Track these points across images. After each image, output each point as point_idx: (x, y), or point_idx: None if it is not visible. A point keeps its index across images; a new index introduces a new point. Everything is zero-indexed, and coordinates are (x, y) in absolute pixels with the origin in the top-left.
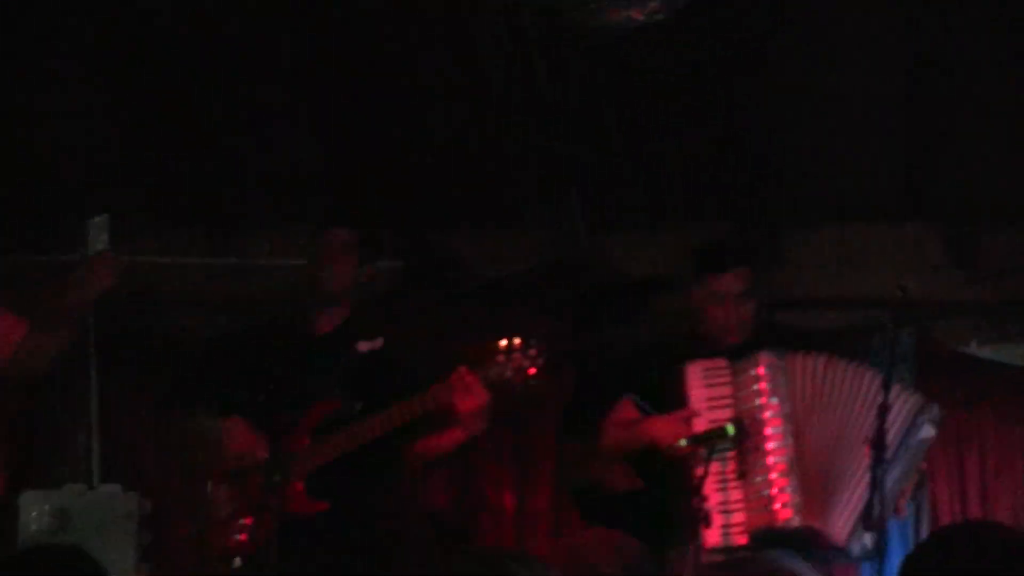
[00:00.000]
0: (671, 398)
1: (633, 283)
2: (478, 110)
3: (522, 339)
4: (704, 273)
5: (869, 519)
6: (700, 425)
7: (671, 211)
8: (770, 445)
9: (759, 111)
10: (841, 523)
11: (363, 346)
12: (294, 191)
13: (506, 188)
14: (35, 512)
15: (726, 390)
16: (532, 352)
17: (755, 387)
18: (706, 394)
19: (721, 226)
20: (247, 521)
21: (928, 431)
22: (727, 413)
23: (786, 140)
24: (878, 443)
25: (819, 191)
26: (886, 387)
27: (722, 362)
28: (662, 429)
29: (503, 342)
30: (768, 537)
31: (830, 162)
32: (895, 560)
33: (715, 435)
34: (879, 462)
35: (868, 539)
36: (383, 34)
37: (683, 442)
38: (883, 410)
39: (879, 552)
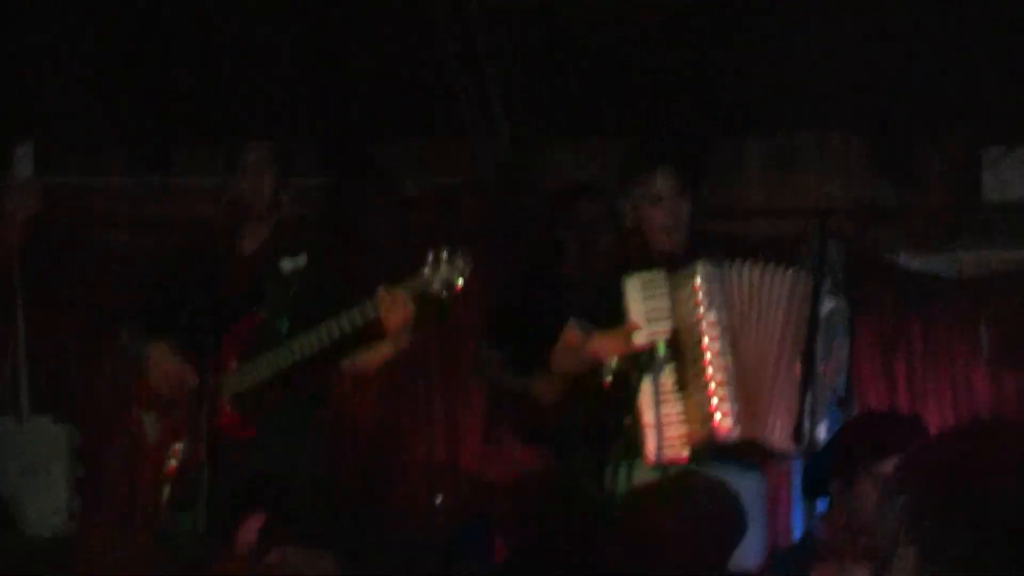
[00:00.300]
0: (613, 315)
1: (557, 191)
2: (408, 19)
3: (448, 250)
4: (636, 176)
5: (800, 429)
6: (641, 338)
7: (603, 124)
8: (708, 357)
9: (693, 22)
10: (779, 430)
11: (287, 264)
12: (220, 108)
13: (434, 98)
14: None
15: (664, 301)
16: (459, 263)
17: (693, 298)
18: (645, 307)
19: (652, 137)
20: (176, 448)
21: (829, 302)
22: (667, 325)
23: (717, 50)
24: (808, 353)
25: (749, 100)
26: (815, 296)
27: (660, 274)
28: (604, 346)
29: (429, 254)
30: (709, 449)
31: (761, 72)
32: None
33: (646, 355)
34: (811, 373)
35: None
36: None
37: (614, 360)
38: (813, 320)
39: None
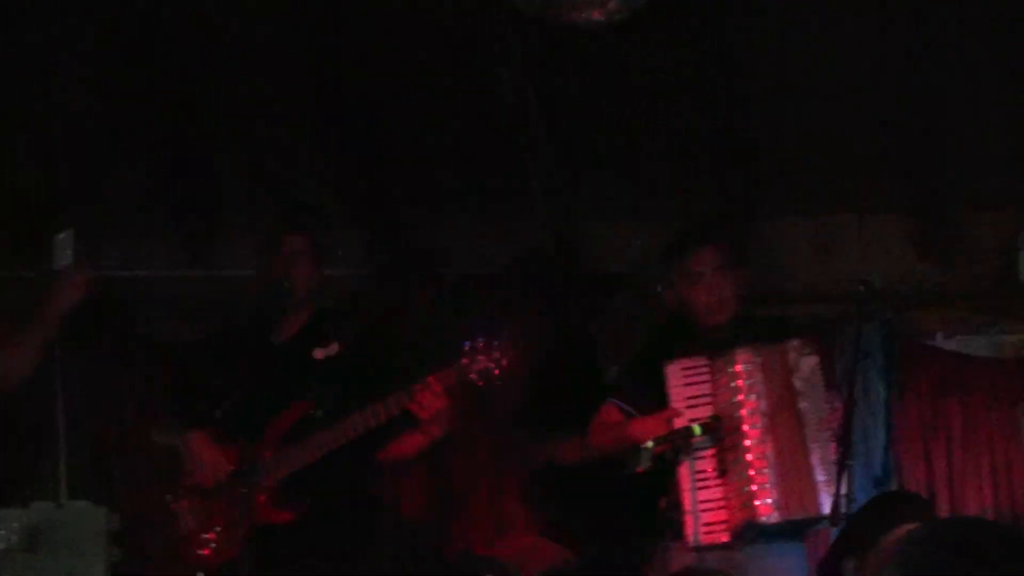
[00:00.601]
0: (655, 399)
1: (592, 280)
2: (451, 104)
3: (486, 339)
4: (676, 257)
5: (837, 512)
6: (680, 422)
7: (650, 205)
8: (748, 443)
9: (736, 105)
10: (816, 505)
11: (318, 353)
12: (263, 199)
13: (483, 179)
14: (4, 530)
15: (705, 388)
16: (496, 353)
17: (733, 385)
18: (685, 393)
19: (698, 218)
20: (211, 535)
21: (808, 361)
22: (706, 411)
23: (761, 133)
24: (844, 437)
25: (790, 182)
26: (851, 379)
27: (701, 360)
28: (642, 430)
29: (466, 343)
30: (749, 534)
31: (802, 155)
32: None
33: (682, 435)
34: (848, 454)
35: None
36: (352, 35)
37: (650, 443)
38: (850, 403)
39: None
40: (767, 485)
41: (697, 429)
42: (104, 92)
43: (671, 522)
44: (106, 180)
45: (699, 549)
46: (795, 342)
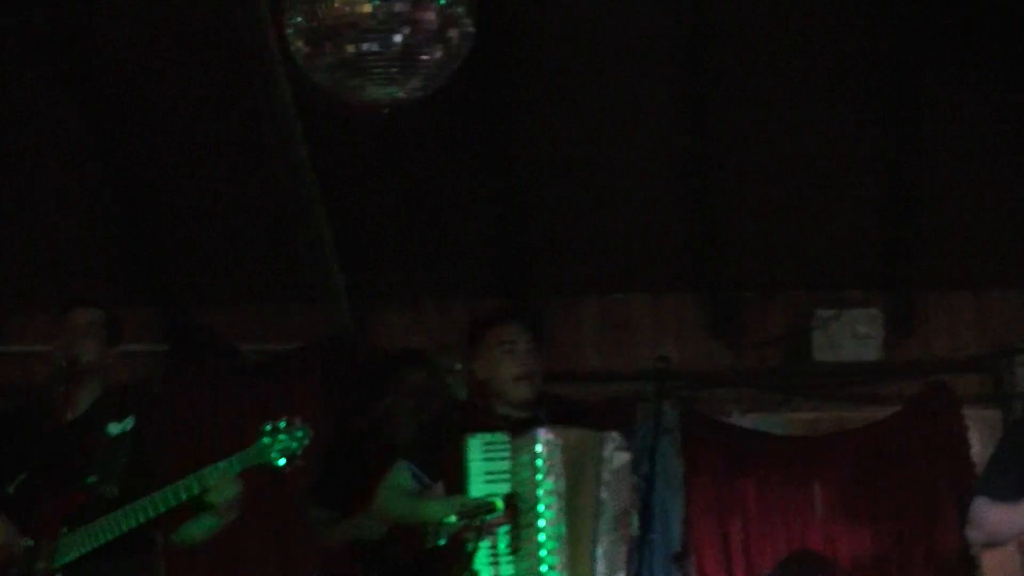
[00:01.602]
0: (450, 468)
1: (389, 357)
2: (242, 187)
3: (287, 419)
4: (490, 327)
5: None
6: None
7: (443, 287)
8: (543, 522)
9: (528, 183)
10: None
11: (114, 428)
12: (52, 276)
13: (273, 263)
14: None
15: (504, 464)
16: (298, 434)
17: (532, 464)
18: (484, 468)
19: (490, 301)
20: None
21: (620, 457)
22: (505, 487)
23: (551, 212)
24: (643, 512)
25: (581, 265)
26: (651, 457)
27: (502, 436)
28: (436, 510)
29: (268, 424)
30: None
31: (591, 236)
32: None
33: (483, 509)
34: (646, 531)
35: None
36: (147, 110)
37: (453, 518)
38: (649, 478)
39: None
40: (556, 566)
41: (499, 504)
42: None
43: None
44: None
45: None
46: (614, 434)
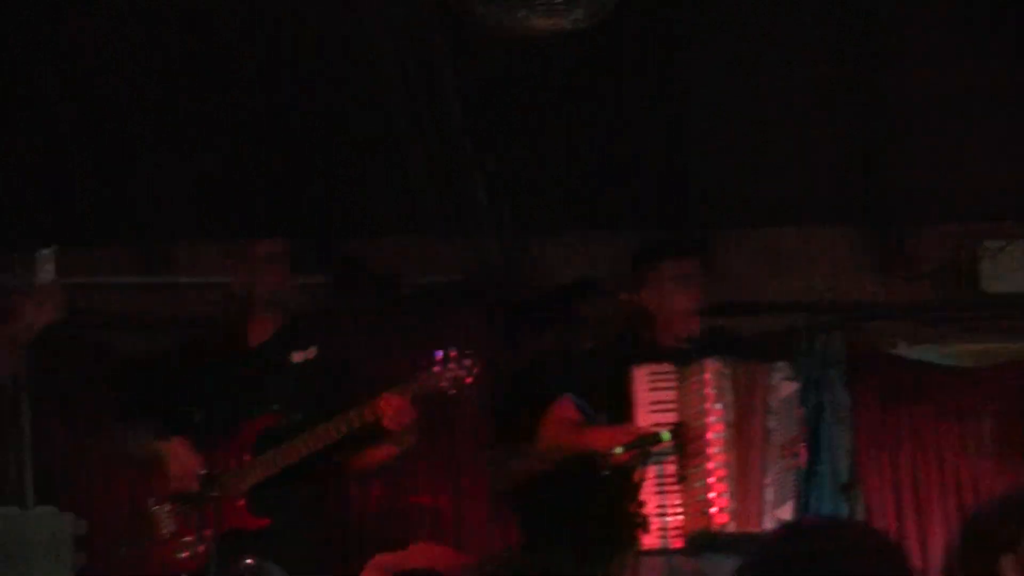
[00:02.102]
0: (615, 400)
1: (560, 288)
2: (399, 117)
3: (457, 349)
4: (663, 260)
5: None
6: (645, 428)
7: (601, 218)
8: (711, 451)
9: (687, 115)
10: (760, 523)
11: (297, 356)
12: (221, 206)
13: (432, 195)
14: None
15: (671, 394)
16: (467, 362)
17: (700, 393)
18: (650, 398)
19: (652, 232)
20: (186, 540)
21: (787, 387)
22: (671, 417)
23: (712, 144)
24: (809, 443)
25: (746, 195)
26: (818, 389)
27: (668, 366)
28: (602, 440)
29: (438, 353)
30: (703, 541)
31: (756, 165)
32: None
33: (649, 441)
34: (813, 463)
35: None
36: (303, 46)
37: (619, 450)
38: (817, 410)
39: None
40: (725, 495)
41: (666, 435)
42: (56, 99)
43: (638, 526)
44: (63, 187)
45: (662, 553)
46: (781, 364)
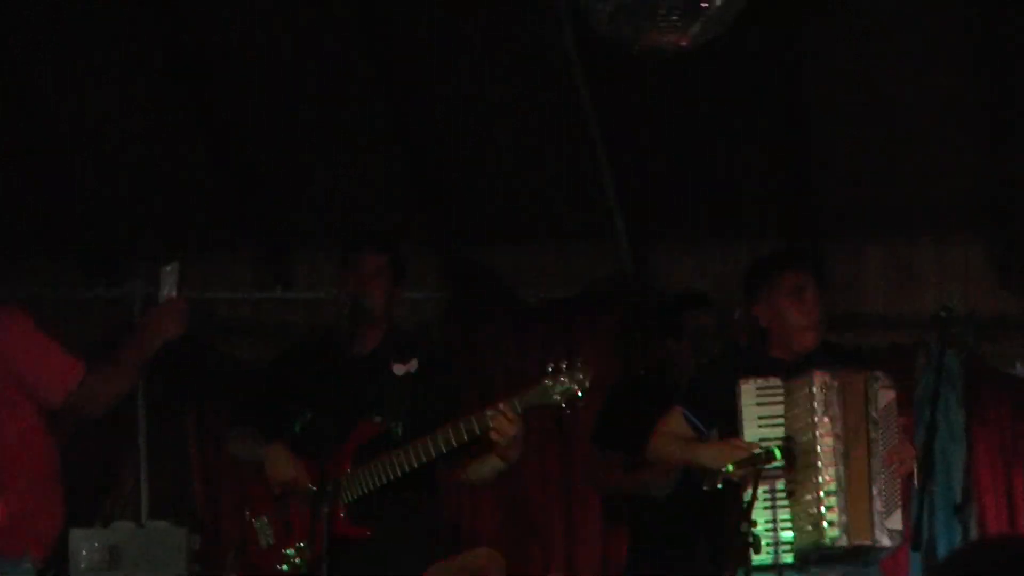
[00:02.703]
0: (724, 414)
1: (671, 299)
2: (522, 128)
3: (569, 360)
4: (777, 274)
5: (918, 536)
6: (752, 447)
7: (720, 229)
8: (820, 465)
9: (806, 128)
10: (888, 536)
11: (398, 368)
12: (340, 221)
13: (550, 205)
14: (85, 550)
15: (778, 409)
16: (579, 374)
17: (808, 406)
18: (758, 412)
19: (770, 243)
20: (291, 549)
21: (886, 395)
22: (778, 431)
23: (838, 155)
24: (924, 460)
25: (866, 208)
26: (933, 403)
27: (776, 380)
28: (712, 456)
29: (550, 365)
30: (814, 555)
31: (877, 178)
32: None
33: (762, 459)
34: (927, 479)
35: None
36: (432, 55)
37: (730, 467)
38: (931, 427)
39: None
40: (835, 508)
41: (777, 453)
42: (176, 114)
43: (749, 543)
44: (184, 201)
45: (773, 568)
46: (877, 373)
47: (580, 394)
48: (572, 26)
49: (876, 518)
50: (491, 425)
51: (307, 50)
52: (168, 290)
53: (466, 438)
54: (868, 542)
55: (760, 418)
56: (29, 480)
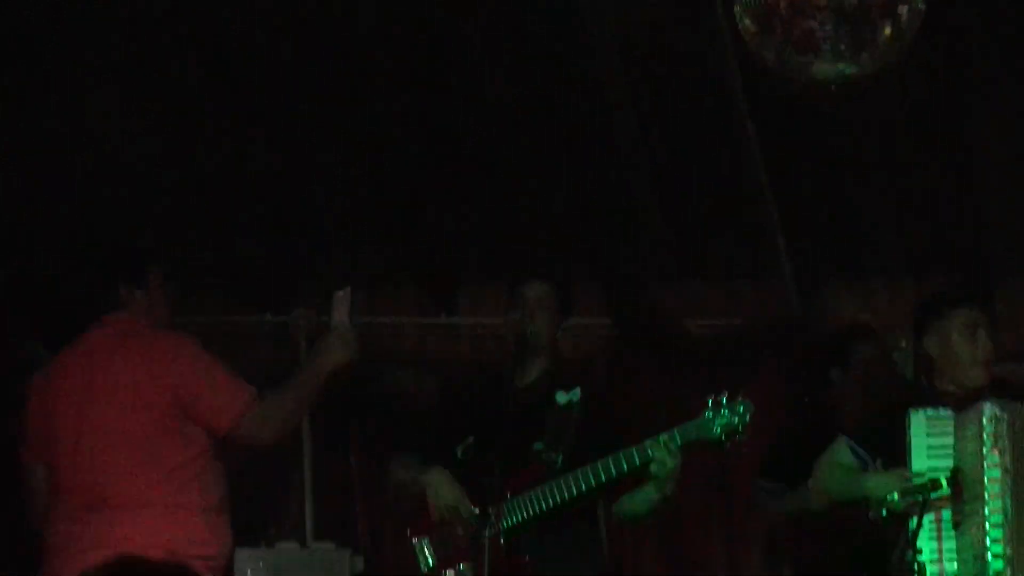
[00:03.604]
0: (891, 445)
1: (837, 332)
2: (689, 164)
3: (730, 394)
4: (952, 309)
5: None
6: (919, 477)
7: (886, 264)
8: (988, 496)
9: (974, 162)
10: None
11: (561, 396)
12: (506, 250)
13: (711, 240)
14: (250, 570)
15: (948, 440)
16: (740, 408)
17: (977, 438)
18: (928, 443)
19: (936, 280)
20: (451, 570)
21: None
22: (947, 463)
23: (1002, 191)
24: None
25: None
26: None
27: (946, 412)
28: (878, 485)
29: (710, 398)
30: None
31: None
32: None
33: (927, 488)
34: None
35: None
36: (577, 93)
37: (895, 496)
38: None
39: None
40: (1000, 541)
41: (944, 483)
42: (341, 142)
43: (912, 571)
44: (349, 229)
45: None
46: None
47: (741, 429)
48: (737, 60)
49: None
50: (652, 456)
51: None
52: (340, 315)
53: (626, 469)
54: None
55: (930, 448)
56: (199, 506)
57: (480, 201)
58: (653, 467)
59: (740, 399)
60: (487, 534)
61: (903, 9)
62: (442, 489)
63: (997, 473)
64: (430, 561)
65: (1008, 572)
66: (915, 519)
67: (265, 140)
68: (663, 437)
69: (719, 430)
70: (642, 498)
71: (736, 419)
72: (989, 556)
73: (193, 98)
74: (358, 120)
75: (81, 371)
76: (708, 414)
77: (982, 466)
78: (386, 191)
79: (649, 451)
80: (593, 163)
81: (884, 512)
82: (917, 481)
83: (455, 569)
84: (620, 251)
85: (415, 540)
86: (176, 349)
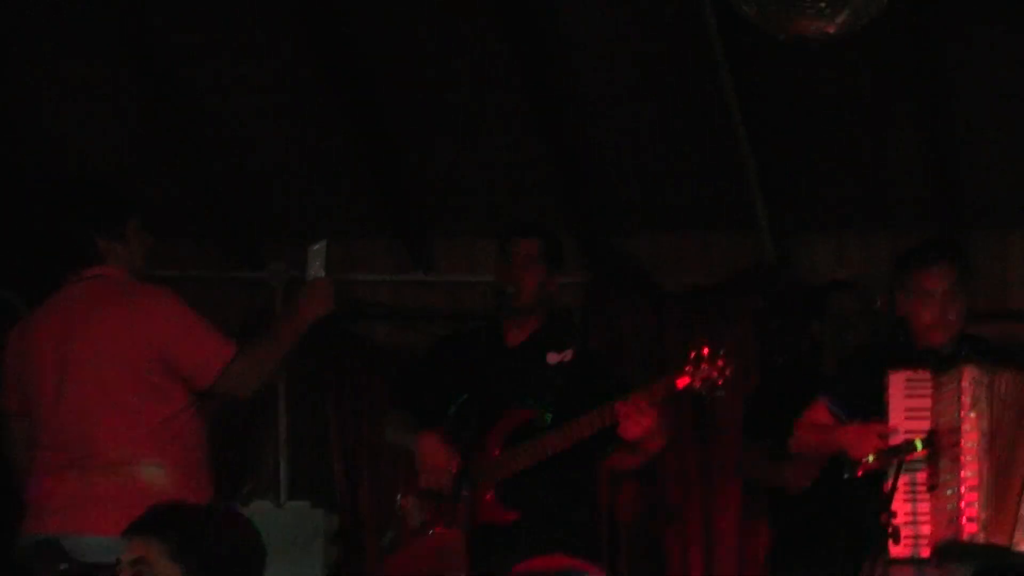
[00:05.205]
0: (870, 404)
1: (815, 288)
2: (665, 115)
3: (710, 348)
4: (910, 270)
5: None
6: (896, 437)
7: (863, 219)
8: (964, 459)
9: (952, 114)
10: (1010, 537)
11: (552, 358)
12: (481, 203)
13: (692, 194)
14: None
15: (926, 402)
16: (720, 362)
17: (956, 400)
18: (906, 404)
19: (914, 233)
20: (436, 532)
21: None
22: (925, 424)
23: (980, 143)
24: None
25: (1013, 196)
26: None
27: (925, 374)
28: (855, 440)
29: (691, 352)
30: (952, 550)
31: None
32: None
33: (904, 450)
34: None
35: None
36: (572, 40)
37: (871, 457)
38: None
39: None
40: (975, 504)
41: (919, 444)
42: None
43: (888, 534)
44: (324, 184)
45: (912, 562)
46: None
47: (721, 383)
48: (715, 11)
49: (1020, 521)
50: (620, 418)
51: (448, 35)
52: (315, 269)
53: (607, 424)
54: (1006, 543)
55: (908, 410)
56: (180, 463)
57: (454, 156)
58: (622, 428)
59: (719, 352)
60: (468, 492)
61: None
62: (431, 449)
63: (975, 437)
64: (421, 521)
65: (982, 536)
66: (891, 481)
67: (240, 92)
68: (640, 391)
69: (700, 383)
70: (626, 452)
71: (716, 373)
72: (964, 520)
73: (170, 46)
74: (334, 72)
75: (61, 326)
76: (688, 367)
77: (960, 428)
78: (361, 147)
79: (618, 410)
80: (568, 115)
81: (858, 470)
82: (893, 438)
83: (442, 527)
84: (594, 205)
85: (403, 500)
86: (157, 304)
